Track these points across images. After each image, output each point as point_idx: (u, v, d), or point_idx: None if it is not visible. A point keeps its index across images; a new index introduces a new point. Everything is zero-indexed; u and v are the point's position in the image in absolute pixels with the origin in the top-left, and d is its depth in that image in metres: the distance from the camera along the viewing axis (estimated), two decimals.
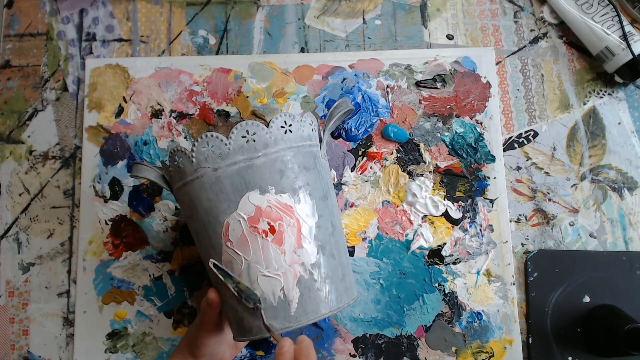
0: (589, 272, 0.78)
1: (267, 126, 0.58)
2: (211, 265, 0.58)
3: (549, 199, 0.81)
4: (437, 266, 0.78)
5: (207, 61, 0.84)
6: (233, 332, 0.62)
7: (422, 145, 0.81)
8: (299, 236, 0.57)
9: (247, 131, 0.57)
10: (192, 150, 0.58)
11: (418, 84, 0.83)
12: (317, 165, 0.61)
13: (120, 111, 0.82)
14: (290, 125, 0.59)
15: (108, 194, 0.81)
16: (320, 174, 0.62)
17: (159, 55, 0.85)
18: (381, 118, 0.82)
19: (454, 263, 0.78)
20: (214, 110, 0.82)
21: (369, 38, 0.85)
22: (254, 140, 0.57)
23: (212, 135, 0.57)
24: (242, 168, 0.57)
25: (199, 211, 0.59)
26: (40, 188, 0.81)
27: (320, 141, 0.66)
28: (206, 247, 0.60)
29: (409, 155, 0.81)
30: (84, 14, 0.86)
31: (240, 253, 0.57)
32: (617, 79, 0.82)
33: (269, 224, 0.57)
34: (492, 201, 0.80)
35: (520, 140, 0.82)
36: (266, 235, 0.56)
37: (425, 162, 0.81)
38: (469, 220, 0.79)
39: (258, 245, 0.56)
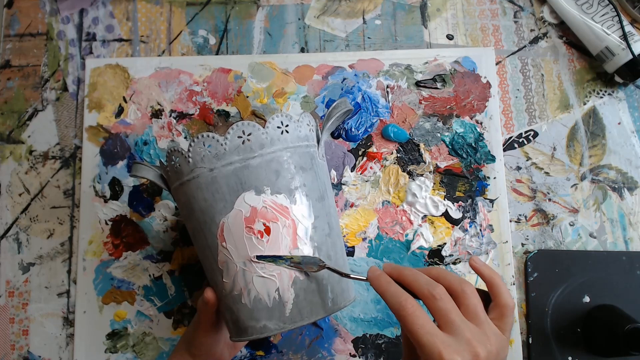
0: (589, 272, 0.78)
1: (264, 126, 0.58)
2: (255, 259, 0.57)
3: (549, 199, 0.80)
4: (437, 266, 0.78)
5: (207, 61, 0.84)
6: (230, 332, 0.61)
7: (422, 145, 0.81)
8: (295, 237, 0.57)
9: (243, 131, 0.57)
10: (189, 150, 0.58)
11: (418, 84, 0.83)
12: (314, 166, 0.61)
13: (120, 111, 0.83)
14: (287, 125, 0.59)
15: (108, 194, 0.81)
16: (318, 175, 0.61)
17: (159, 55, 0.85)
18: (381, 118, 0.82)
19: (454, 263, 0.78)
20: (214, 110, 0.82)
21: (369, 38, 0.85)
22: (250, 141, 0.57)
23: (208, 136, 0.57)
24: (238, 168, 0.57)
25: (196, 211, 0.59)
26: (40, 188, 0.82)
27: (318, 141, 0.65)
28: (203, 247, 0.60)
29: (409, 155, 0.81)
30: (84, 14, 0.87)
31: (235, 253, 0.57)
32: (617, 79, 0.81)
33: (264, 224, 0.56)
34: (492, 201, 0.79)
35: (520, 140, 0.82)
36: (261, 236, 0.56)
37: (425, 162, 0.80)
38: (469, 220, 0.79)
39: (254, 245, 0.56)
